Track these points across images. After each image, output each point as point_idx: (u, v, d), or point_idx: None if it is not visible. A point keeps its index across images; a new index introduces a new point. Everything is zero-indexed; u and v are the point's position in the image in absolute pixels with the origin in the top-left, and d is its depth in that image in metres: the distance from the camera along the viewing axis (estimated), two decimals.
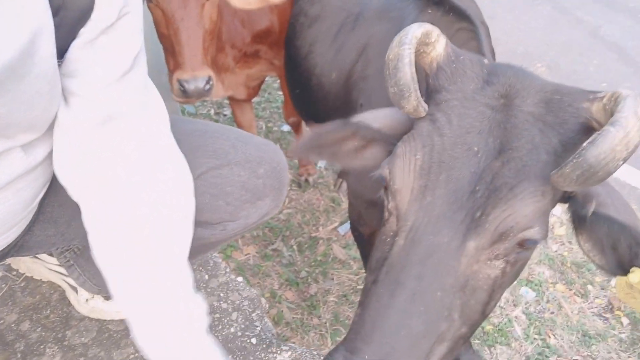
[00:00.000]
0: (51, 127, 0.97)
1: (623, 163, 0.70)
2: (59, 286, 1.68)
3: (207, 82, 1.75)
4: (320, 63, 1.71)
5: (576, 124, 0.80)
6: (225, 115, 3.47)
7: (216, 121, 3.42)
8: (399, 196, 0.84)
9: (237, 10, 2.15)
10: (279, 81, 3.33)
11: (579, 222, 0.84)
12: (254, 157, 1.28)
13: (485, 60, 0.90)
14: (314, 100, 1.82)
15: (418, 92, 0.84)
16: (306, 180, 2.87)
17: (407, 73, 0.82)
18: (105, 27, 0.91)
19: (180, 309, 1.04)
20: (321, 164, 3.11)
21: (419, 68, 0.87)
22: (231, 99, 2.62)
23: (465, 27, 1.28)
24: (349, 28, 1.62)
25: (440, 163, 0.81)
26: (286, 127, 3.37)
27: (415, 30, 0.84)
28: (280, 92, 3.52)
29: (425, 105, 0.86)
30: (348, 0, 1.67)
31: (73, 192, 1.02)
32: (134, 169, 1.01)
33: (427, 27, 0.86)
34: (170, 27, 1.75)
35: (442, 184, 0.80)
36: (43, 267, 1.64)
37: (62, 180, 1.01)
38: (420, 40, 0.85)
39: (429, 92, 0.90)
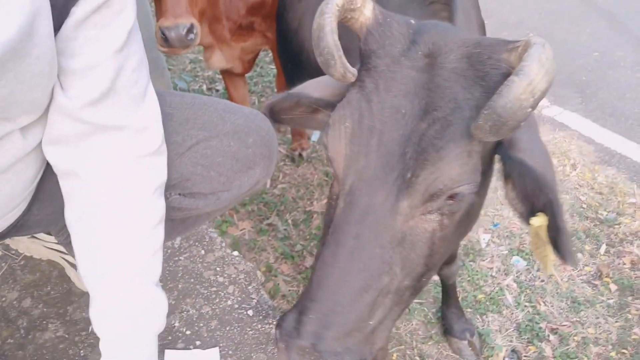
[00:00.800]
0: (47, 109, 0.98)
1: (532, 110, 0.73)
2: (58, 264, 1.71)
3: (190, 31, 1.74)
4: (310, 37, 1.71)
5: (497, 75, 0.81)
6: (217, 90, 3.46)
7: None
8: (335, 163, 0.88)
9: None
10: (271, 55, 3.32)
11: (506, 169, 0.87)
12: (243, 127, 1.31)
13: (412, 21, 0.92)
14: (305, 75, 1.82)
15: (343, 58, 0.86)
16: (300, 155, 2.89)
17: (330, 41, 0.84)
18: (97, 4, 0.91)
19: (139, 300, 1.07)
20: (314, 137, 3.12)
21: (352, 35, 0.90)
22: (224, 74, 2.62)
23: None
24: None
25: (370, 128, 0.84)
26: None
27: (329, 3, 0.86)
28: (272, 66, 3.50)
29: (354, 70, 0.89)
30: None
31: (58, 168, 1.05)
32: (116, 161, 1.04)
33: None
34: None
35: (374, 148, 0.83)
36: (41, 246, 1.67)
37: (49, 155, 1.03)
38: (343, 7, 0.87)
39: (361, 57, 0.92)
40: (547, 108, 3.29)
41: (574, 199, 2.65)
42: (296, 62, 1.88)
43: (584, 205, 2.61)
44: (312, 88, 1.02)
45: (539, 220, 0.84)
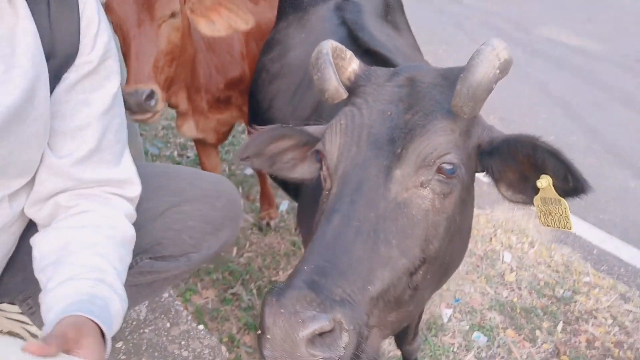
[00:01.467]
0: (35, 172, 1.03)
1: (500, 74, 0.90)
2: (19, 334, 1.66)
3: (150, 97, 1.76)
4: (279, 118, 1.80)
5: None
6: (188, 157, 3.51)
7: (179, 163, 3.45)
8: (329, 155, 0.97)
9: (212, 57, 2.25)
10: (243, 125, 3.41)
11: (495, 174, 0.98)
12: (212, 192, 1.40)
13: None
14: None
15: (337, 75, 1.00)
16: (267, 224, 2.92)
17: (327, 60, 1.00)
18: (88, 71, 1.01)
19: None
20: (282, 207, 3.17)
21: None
22: (197, 142, 2.68)
23: None
24: (305, 86, 1.71)
25: (361, 125, 0.95)
26: (249, 171, 3.44)
27: (329, 42, 1.03)
28: (244, 136, 3.59)
29: (344, 89, 1.02)
30: (306, 60, 1.77)
31: (39, 216, 1.09)
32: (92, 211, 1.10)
33: (337, 43, 1.05)
34: (124, 42, 1.81)
35: (364, 138, 0.93)
36: (2, 317, 1.62)
37: (34, 214, 1.08)
38: (335, 52, 1.02)
39: (350, 91, 1.05)
40: None
41: (532, 276, 2.74)
42: None
43: (542, 283, 2.70)
44: (305, 128, 1.12)
45: (545, 181, 0.92)
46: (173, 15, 1.83)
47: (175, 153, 3.53)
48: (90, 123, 1.04)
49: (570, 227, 0.97)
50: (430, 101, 0.95)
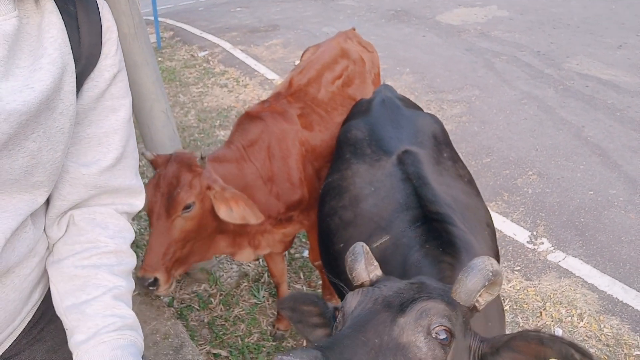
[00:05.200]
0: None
1: (494, 277, 1.09)
2: None
3: (152, 284, 2.08)
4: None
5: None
6: None
7: None
8: (347, 306, 1.16)
9: (272, 188, 2.54)
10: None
11: None
12: None
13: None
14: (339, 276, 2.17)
15: (366, 265, 1.27)
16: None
17: (360, 252, 1.27)
18: (113, 75, 1.03)
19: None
20: None
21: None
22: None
23: (449, 261, 1.63)
24: (375, 239, 1.98)
25: (378, 294, 1.15)
26: (306, 253, 3.73)
27: (362, 246, 1.30)
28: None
29: (368, 276, 1.26)
30: (377, 214, 2.03)
31: (51, 235, 1.09)
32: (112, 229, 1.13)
33: (367, 248, 1.30)
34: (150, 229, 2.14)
35: (380, 300, 1.12)
36: None
37: (54, 231, 1.09)
38: (367, 255, 1.28)
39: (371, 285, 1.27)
40: (552, 253, 3.62)
41: None
42: (334, 268, 2.23)
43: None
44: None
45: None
46: (187, 208, 2.11)
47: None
48: (117, 130, 1.06)
49: None
50: (436, 291, 1.16)
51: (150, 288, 2.10)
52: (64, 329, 1.14)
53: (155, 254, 2.09)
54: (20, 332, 1.14)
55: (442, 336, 1.06)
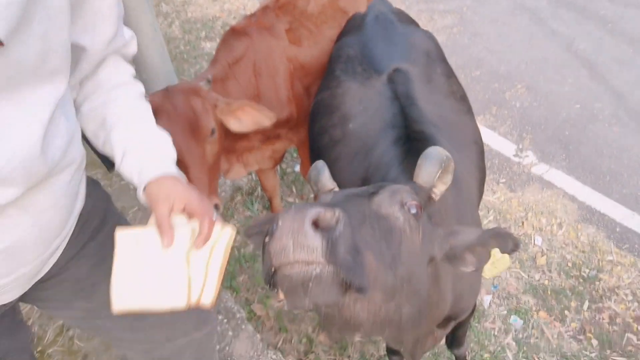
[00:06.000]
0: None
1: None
2: None
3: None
4: (339, 179, 2.11)
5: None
6: None
7: None
8: (321, 202, 1.20)
9: (260, 101, 2.54)
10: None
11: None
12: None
13: None
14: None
15: (328, 175, 1.47)
16: None
17: (323, 166, 1.49)
18: None
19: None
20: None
21: None
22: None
23: None
24: (361, 156, 2.02)
25: (346, 192, 1.23)
26: (297, 168, 3.79)
27: (322, 162, 1.51)
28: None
29: (332, 183, 1.45)
30: (365, 133, 2.07)
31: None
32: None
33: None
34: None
35: (351, 194, 1.21)
36: None
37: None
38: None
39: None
40: (536, 166, 3.74)
41: (560, 258, 3.11)
42: None
43: (570, 264, 3.07)
44: None
45: (495, 251, 1.26)
46: (212, 132, 2.09)
47: None
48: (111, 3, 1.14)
49: (508, 264, 1.36)
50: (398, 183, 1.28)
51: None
52: (104, 245, 1.27)
53: (202, 184, 2.02)
54: (66, 244, 1.23)
55: (414, 210, 1.17)
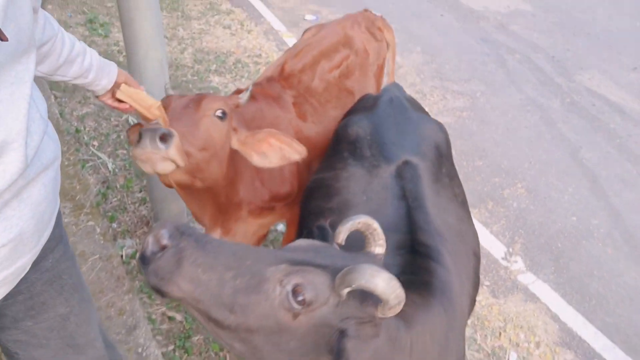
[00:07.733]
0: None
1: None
2: None
3: (164, 136, 1.64)
4: None
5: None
6: None
7: None
8: None
9: (258, 171, 2.39)
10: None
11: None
12: None
13: None
14: None
15: None
16: None
17: None
18: None
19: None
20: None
21: None
22: None
23: (415, 299, 1.48)
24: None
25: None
26: (281, 227, 3.64)
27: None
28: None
29: None
30: (370, 189, 1.96)
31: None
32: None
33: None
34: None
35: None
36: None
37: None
38: None
39: None
40: (523, 274, 3.61)
41: None
42: None
43: None
44: None
45: None
46: (220, 114, 1.89)
47: None
48: None
49: None
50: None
51: (160, 143, 1.61)
52: (58, 262, 1.45)
53: (180, 130, 1.72)
54: (50, 232, 1.34)
55: (298, 297, 1.11)
